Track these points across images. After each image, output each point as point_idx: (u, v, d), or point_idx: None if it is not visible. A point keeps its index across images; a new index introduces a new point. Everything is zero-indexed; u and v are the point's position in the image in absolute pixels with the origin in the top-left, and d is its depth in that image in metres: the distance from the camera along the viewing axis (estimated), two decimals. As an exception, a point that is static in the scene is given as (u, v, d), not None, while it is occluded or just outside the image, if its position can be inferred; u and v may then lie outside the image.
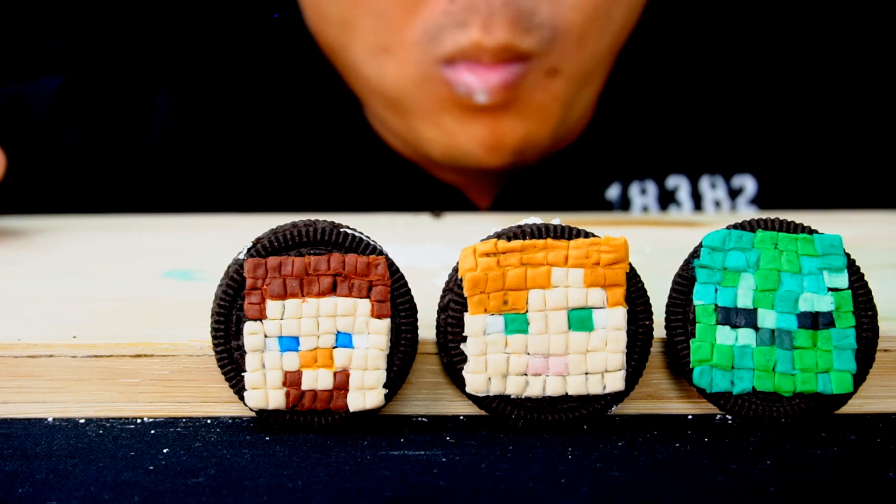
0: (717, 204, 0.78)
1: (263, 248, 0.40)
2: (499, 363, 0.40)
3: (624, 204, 0.78)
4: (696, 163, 0.79)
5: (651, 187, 0.78)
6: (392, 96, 0.70)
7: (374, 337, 0.40)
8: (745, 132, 0.80)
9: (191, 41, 0.88)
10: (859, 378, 0.41)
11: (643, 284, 0.41)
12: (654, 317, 0.41)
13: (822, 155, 0.80)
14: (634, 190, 0.78)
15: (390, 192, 0.76)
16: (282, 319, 0.40)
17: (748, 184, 0.78)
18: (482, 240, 0.41)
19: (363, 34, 0.69)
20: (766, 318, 0.41)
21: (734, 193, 0.79)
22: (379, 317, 0.40)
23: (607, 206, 0.78)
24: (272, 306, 0.40)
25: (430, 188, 0.76)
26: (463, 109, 0.68)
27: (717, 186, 0.78)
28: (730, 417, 0.42)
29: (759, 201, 0.79)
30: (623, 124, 0.78)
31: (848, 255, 0.41)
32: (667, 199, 0.78)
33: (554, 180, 0.77)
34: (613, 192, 0.78)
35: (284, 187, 0.78)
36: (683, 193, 0.78)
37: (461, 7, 0.65)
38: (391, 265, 0.40)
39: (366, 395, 0.40)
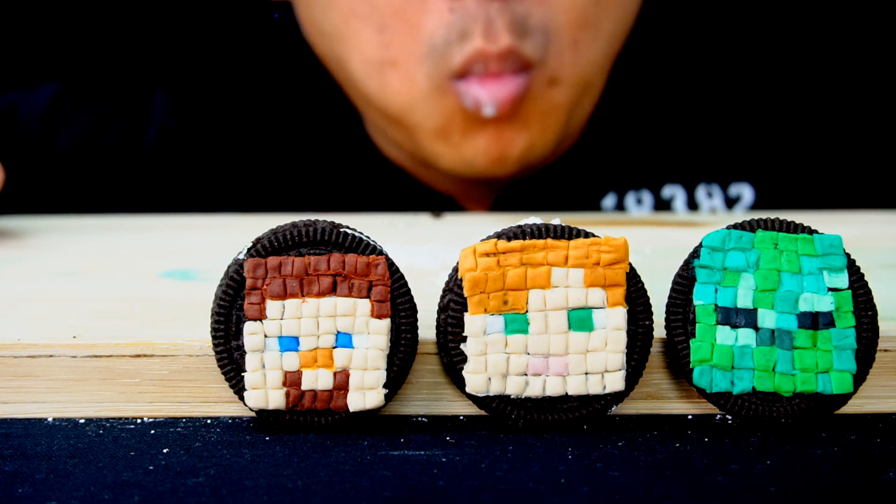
0: (714, 213, 0.78)
1: (263, 248, 0.40)
2: (499, 363, 0.40)
3: (620, 212, 0.78)
4: (692, 172, 0.79)
5: (647, 197, 0.78)
6: (395, 112, 0.70)
7: (374, 337, 0.40)
8: (742, 140, 0.80)
9: (191, 45, 0.88)
10: (859, 378, 0.41)
11: (643, 284, 0.41)
12: (654, 317, 0.41)
13: (820, 162, 0.80)
14: (630, 199, 0.78)
15: (385, 201, 0.76)
16: (282, 319, 0.40)
17: (745, 192, 0.78)
18: (482, 240, 0.41)
19: (361, 48, 0.68)
20: (766, 318, 0.41)
21: (731, 202, 0.79)
22: (379, 317, 0.40)
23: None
24: (272, 306, 0.40)
25: (425, 197, 0.76)
26: (468, 122, 0.68)
27: (713, 195, 0.78)
28: (730, 417, 0.42)
29: (756, 210, 0.78)
30: (618, 133, 0.78)
31: (848, 255, 0.41)
32: (663, 209, 0.78)
33: (549, 189, 0.77)
34: (609, 201, 0.78)
35: (279, 193, 0.78)
36: (679, 203, 0.78)
37: (461, 16, 0.65)
38: (391, 265, 0.40)
39: (366, 395, 0.40)
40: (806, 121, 0.80)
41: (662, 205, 0.78)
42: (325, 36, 0.71)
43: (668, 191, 0.78)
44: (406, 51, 0.67)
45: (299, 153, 0.78)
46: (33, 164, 0.78)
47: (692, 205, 0.78)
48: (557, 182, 0.77)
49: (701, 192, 0.78)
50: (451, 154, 0.70)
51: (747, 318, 0.41)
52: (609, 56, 0.71)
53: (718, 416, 0.42)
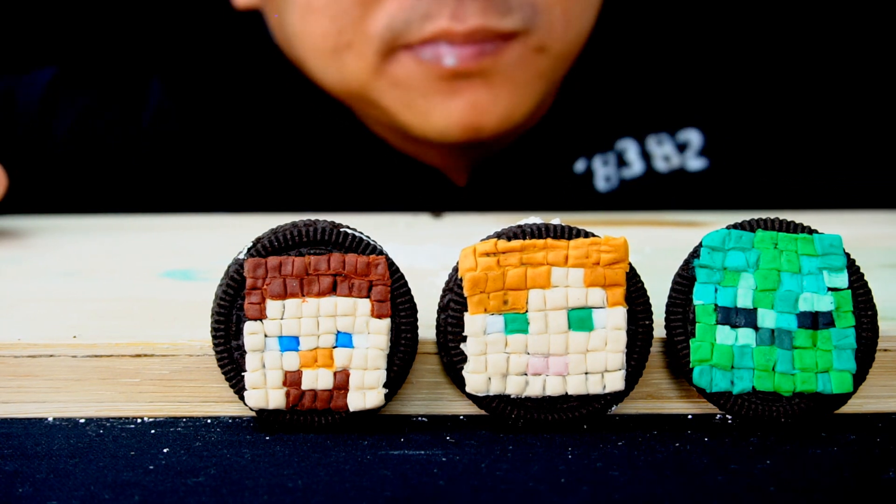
0: (667, 159, 0.79)
1: (263, 248, 0.40)
2: (499, 363, 0.40)
3: (588, 175, 0.79)
4: (641, 124, 0.79)
5: (611, 157, 0.79)
6: (356, 92, 0.70)
7: (374, 337, 0.40)
8: (690, 89, 0.80)
9: (189, 45, 0.88)
10: (859, 378, 0.41)
11: (643, 284, 0.41)
12: (654, 317, 0.41)
13: (767, 106, 0.81)
14: (597, 162, 0.79)
15: (373, 176, 0.76)
16: (282, 319, 0.40)
17: (693, 137, 0.79)
18: (482, 240, 0.41)
19: (316, 41, 0.69)
20: (766, 318, 0.41)
21: (681, 148, 0.79)
22: (379, 317, 0.40)
23: (575, 179, 0.78)
24: (272, 306, 0.40)
25: (411, 169, 0.76)
26: (437, 86, 0.68)
27: (663, 143, 0.79)
28: (730, 417, 0.42)
29: (707, 153, 0.79)
30: (584, 99, 0.79)
31: (848, 255, 0.41)
32: (622, 165, 0.79)
33: (526, 158, 0.78)
34: (580, 165, 0.79)
35: (272, 179, 0.78)
36: (633, 154, 0.79)
37: (427, 2, 0.65)
38: (391, 265, 0.40)
39: (366, 394, 0.40)
40: (751, 65, 0.81)
41: (622, 162, 0.79)
42: (286, 39, 0.72)
43: (621, 145, 0.79)
44: (360, 32, 0.67)
45: (291, 139, 0.79)
46: (32, 149, 0.78)
47: (645, 155, 0.79)
48: (533, 151, 0.78)
49: (651, 142, 0.79)
50: (421, 123, 0.70)
51: (747, 317, 0.41)
52: (592, 26, 0.72)
53: (718, 415, 0.43)
